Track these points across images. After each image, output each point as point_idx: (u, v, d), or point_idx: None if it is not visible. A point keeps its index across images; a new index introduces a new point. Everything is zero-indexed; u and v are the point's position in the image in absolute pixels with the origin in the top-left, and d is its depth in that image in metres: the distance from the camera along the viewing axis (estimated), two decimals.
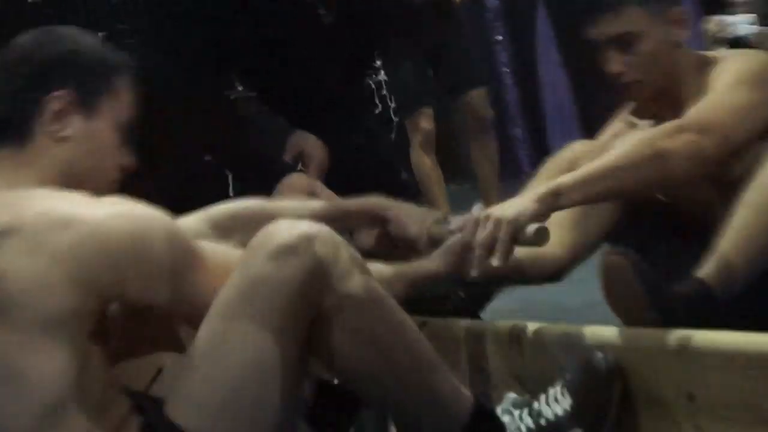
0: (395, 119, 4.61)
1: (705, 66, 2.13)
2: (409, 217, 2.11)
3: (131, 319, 1.66)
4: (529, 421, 1.80)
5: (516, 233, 1.90)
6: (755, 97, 2.02)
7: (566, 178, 1.98)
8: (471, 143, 4.85)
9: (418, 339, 1.71)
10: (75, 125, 1.66)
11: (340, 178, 2.52)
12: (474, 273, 1.94)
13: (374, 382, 1.68)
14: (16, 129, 1.64)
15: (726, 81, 2.06)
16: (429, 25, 2.98)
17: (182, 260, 1.59)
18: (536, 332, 2.02)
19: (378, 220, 2.13)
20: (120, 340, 1.64)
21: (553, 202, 1.94)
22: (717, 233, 1.89)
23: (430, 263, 2.00)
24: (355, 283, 1.62)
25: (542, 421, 1.79)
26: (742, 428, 1.60)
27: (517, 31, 7.28)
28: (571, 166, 2.17)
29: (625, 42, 2.10)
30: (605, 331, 1.88)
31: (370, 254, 1.99)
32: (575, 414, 1.78)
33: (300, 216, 1.94)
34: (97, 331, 1.56)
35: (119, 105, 1.70)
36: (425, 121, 4.68)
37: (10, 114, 1.65)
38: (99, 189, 1.68)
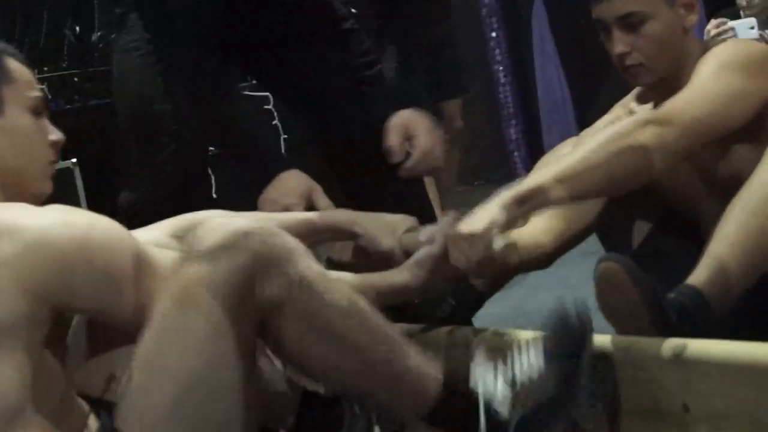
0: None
1: (699, 53, 2.11)
2: (379, 229, 2.12)
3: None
4: (504, 389, 1.72)
5: (488, 248, 1.88)
6: (734, 85, 1.99)
7: (531, 182, 1.93)
8: None
9: (374, 319, 1.66)
10: None
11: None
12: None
13: (333, 368, 1.65)
14: None
15: (707, 70, 2.03)
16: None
17: (127, 266, 1.57)
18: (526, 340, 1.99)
19: (346, 235, 2.14)
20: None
21: (517, 209, 1.91)
22: (708, 237, 1.86)
23: (400, 275, 2.00)
24: (295, 271, 1.58)
25: (517, 387, 1.71)
26: None
27: (512, 27, 7.28)
28: None
29: (633, 22, 2.08)
30: (598, 339, 1.83)
31: (345, 267, 1.99)
32: (551, 373, 1.71)
33: None
34: (53, 336, 1.55)
35: (20, 86, 1.69)
36: None
37: None
38: (38, 177, 1.71)
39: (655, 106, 2.11)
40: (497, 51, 7.21)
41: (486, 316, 2.44)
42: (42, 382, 1.52)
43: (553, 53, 6.95)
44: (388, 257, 2.09)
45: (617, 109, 2.28)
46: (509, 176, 6.04)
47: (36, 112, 1.71)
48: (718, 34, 3.55)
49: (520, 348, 1.76)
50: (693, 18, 2.12)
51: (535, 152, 6.07)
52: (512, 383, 1.74)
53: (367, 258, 2.11)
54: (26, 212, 1.56)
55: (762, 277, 1.86)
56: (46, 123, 1.74)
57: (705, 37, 3.59)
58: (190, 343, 1.54)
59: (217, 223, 1.60)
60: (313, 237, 2.13)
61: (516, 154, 7.24)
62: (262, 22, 2.56)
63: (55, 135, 1.74)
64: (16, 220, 1.53)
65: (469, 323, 2.47)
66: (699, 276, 1.80)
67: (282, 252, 1.58)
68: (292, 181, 2.36)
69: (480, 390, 1.73)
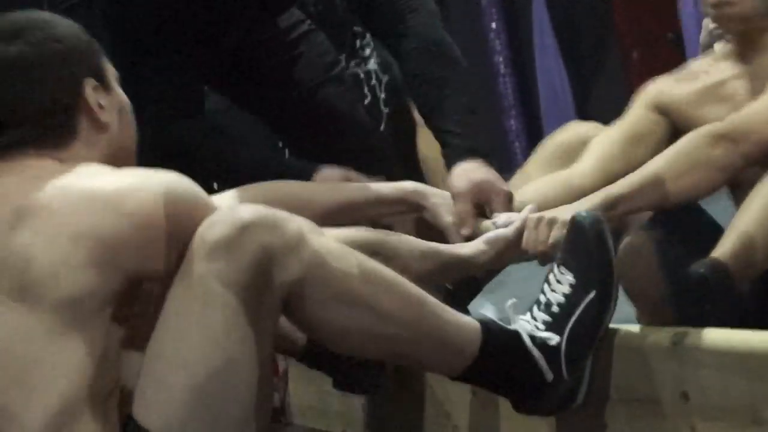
0: (385, 110, 4.56)
1: None
2: (442, 204, 2.11)
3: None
4: (543, 315, 1.75)
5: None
6: None
7: (615, 189, 1.99)
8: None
9: (398, 280, 1.66)
10: (107, 107, 1.68)
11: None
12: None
13: (371, 338, 1.65)
14: (59, 130, 1.65)
15: None
16: None
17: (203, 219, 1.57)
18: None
19: (414, 207, 2.12)
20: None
21: (605, 213, 1.94)
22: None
23: (467, 249, 2.00)
24: (308, 251, 1.57)
25: (554, 309, 1.75)
26: (737, 430, 1.59)
27: (512, 18, 7.29)
28: (569, 150, 2.17)
29: None
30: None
31: None
32: (581, 282, 1.74)
33: (334, 201, 2.02)
34: (119, 314, 1.56)
35: (110, 67, 1.73)
36: None
37: (50, 119, 1.64)
38: (131, 153, 1.74)
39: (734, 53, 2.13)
40: (497, 42, 7.22)
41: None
42: (99, 371, 1.53)
43: (553, 44, 6.97)
44: (445, 234, 2.09)
45: (640, 110, 2.28)
46: (509, 166, 6.07)
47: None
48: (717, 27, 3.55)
49: (548, 283, 1.78)
50: None
51: (534, 142, 6.03)
52: (547, 307, 1.76)
53: (426, 232, 2.09)
54: (100, 177, 1.58)
55: None
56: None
57: (703, 33, 3.58)
58: (207, 336, 1.53)
59: (222, 215, 1.57)
60: (383, 209, 2.12)
61: (516, 144, 7.27)
62: (217, 34, 2.47)
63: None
64: (92, 188, 1.55)
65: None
66: (723, 249, 1.80)
67: (291, 236, 1.56)
68: (332, 176, 2.28)
69: (520, 325, 1.74)
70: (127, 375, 1.62)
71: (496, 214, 2.08)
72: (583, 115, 4.85)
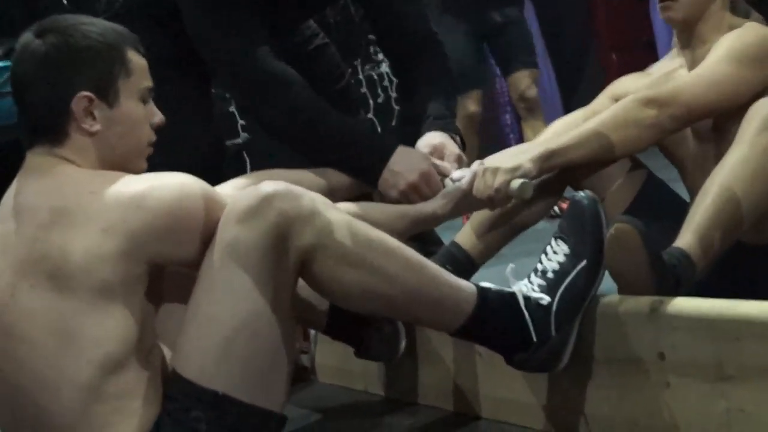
0: (396, 108, 4.52)
1: (725, 24, 2.12)
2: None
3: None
4: (538, 280, 1.77)
5: (508, 184, 1.96)
6: (739, 75, 1.98)
7: (553, 144, 2.01)
8: (522, 124, 4.69)
9: (400, 246, 1.69)
10: (103, 117, 1.65)
11: None
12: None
13: (376, 297, 1.67)
14: (50, 130, 1.64)
15: (716, 57, 2.03)
16: None
17: (216, 217, 1.59)
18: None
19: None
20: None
21: (543, 164, 1.99)
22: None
23: (429, 206, 2.06)
24: (323, 219, 1.60)
25: (549, 275, 1.76)
26: (706, 384, 1.60)
27: None
28: (569, 127, 2.17)
29: None
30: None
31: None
32: (574, 252, 1.75)
33: (316, 185, 2.06)
34: (149, 292, 1.58)
35: (135, 77, 1.68)
36: (472, 104, 4.51)
37: (42, 119, 1.64)
38: (138, 157, 1.70)
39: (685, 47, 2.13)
40: None
41: (482, 279, 2.45)
42: (138, 333, 1.56)
43: (541, 49, 6.94)
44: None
45: (601, 99, 2.29)
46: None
47: (144, 100, 1.70)
48: None
49: (545, 252, 1.79)
50: None
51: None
52: (543, 273, 1.77)
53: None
54: (125, 181, 1.58)
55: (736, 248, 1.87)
56: (151, 106, 1.72)
57: (674, 37, 3.55)
58: (235, 293, 1.56)
59: (249, 189, 1.61)
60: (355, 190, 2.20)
61: (510, 135, 7.27)
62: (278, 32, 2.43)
63: (158, 118, 1.73)
64: (119, 190, 1.56)
65: None
66: (684, 240, 1.79)
67: (305, 207, 1.59)
68: (414, 152, 2.21)
69: (518, 287, 1.76)
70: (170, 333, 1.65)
71: (452, 173, 2.14)
72: (570, 111, 4.84)
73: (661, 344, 1.67)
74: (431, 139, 2.26)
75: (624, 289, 1.76)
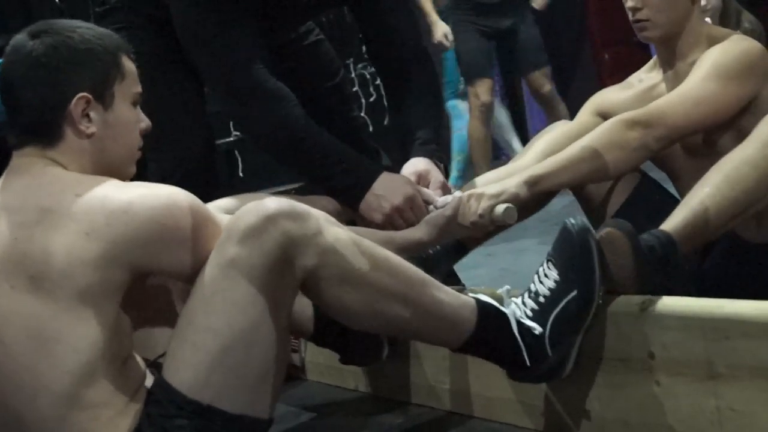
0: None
1: (705, 37, 2.11)
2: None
3: (144, 292, 1.66)
4: (530, 303, 1.76)
5: (492, 209, 1.96)
6: (723, 93, 1.98)
7: (539, 169, 2.01)
8: (548, 121, 4.78)
9: (402, 264, 1.68)
10: (98, 120, 1.64)
11: None
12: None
13: (380, 316, 1.66)
14: (45, 131, 1.63)
15: (699, 74, 2.01)
16: None
17: (203, 230, 1.58)
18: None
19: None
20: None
21: (529, 189, 1.98)
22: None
23: (415, 232, 2.05)
24: (327, 239, 1.59)
25: (541, 299, 1.75)
26: (695, 383, 1.60)
27: None
28: (552, 147, 2.17)
29: None
30: None
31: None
32: (563, 281, 1.73)
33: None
34: (126, 302, 1.56)
35: (128, 81, 1.68)
36: (484, 93, 4.53)
37: (36, 120, 1.63)
38: (128, 161, 1.69)
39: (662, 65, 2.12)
40: None
41: (476, 277, 2.45)
42: (114, 342, 1.54)
43: None
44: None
45: (584, 115, 2.28)
46: (497, 157, 6.06)
47: (135, 104, 1.70)
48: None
49: (538, 275, 1.78)
50: None
51: (520, 133, 6.08)
52: (536, 295, 1.75)
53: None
54: (114, 188, 1.57)
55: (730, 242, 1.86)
56: (139, 111, 1.72)
57: None
58: (234, 305, 1.54)
59: (252, 206, 1.58)
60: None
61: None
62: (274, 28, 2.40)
63: (145, 123, 1.73)
64: (106, 195, 1.54)
65: (456, 280, 2.48)
66: (672, 223, 1.78)
67: (310, 226, 1.57)
68: (398, 177, 2.20)
69: (511, 310, 1.75)
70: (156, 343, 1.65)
71: (436, 200, 2.14)
72: (567, 109, 4.87)
73: (651, 343, 1.67)
74: (416, 165, 2.25)
75: (613, 292, 1.76)
